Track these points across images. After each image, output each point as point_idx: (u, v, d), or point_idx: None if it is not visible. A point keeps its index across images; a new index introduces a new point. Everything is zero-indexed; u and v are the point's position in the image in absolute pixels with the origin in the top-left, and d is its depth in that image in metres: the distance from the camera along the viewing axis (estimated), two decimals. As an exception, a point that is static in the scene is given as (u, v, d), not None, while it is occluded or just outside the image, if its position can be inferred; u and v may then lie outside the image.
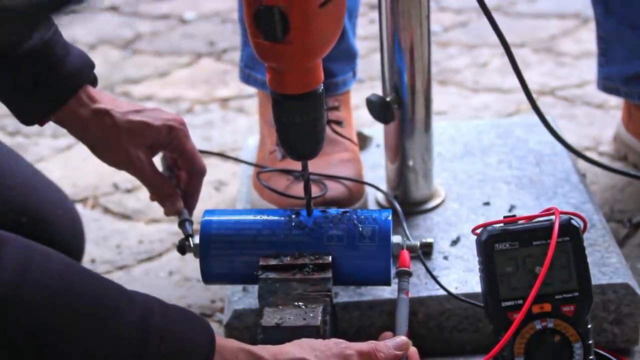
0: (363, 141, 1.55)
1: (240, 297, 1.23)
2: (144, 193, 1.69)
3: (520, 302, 1.04)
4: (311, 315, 1.05)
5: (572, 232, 1.04)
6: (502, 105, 1.95)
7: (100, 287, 0.92)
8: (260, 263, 1.11)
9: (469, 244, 1.27)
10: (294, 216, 1.14)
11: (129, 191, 1.73)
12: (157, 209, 1.60)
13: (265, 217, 1.14)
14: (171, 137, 1.19)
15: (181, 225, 1.20)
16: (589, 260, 1.05)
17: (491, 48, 2.18)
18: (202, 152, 1.26)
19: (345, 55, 1.48)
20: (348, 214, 1.14)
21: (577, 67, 2.09)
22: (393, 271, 1.14)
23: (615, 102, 1.85)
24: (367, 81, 2.05)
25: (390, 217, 1.13)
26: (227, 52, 2.32)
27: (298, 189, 1.30)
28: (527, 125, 1.55)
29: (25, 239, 0.89)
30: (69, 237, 1.34)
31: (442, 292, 1.19)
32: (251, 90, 1.77)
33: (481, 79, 2.07)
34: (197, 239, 1.15)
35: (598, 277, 1.20)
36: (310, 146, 1.09)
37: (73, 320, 0.88)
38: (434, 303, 1.21)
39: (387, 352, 1.00)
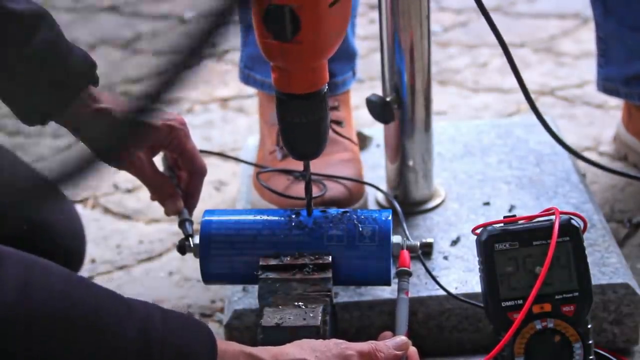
0: (363, 141, 1.55)
1: (240, 297, 1.23)
2: (144, 193, 1.69)
3: (520, 302, 1.04)
4: (311, 315, 1.05)
5: (572, 232, 1.04)
6: (502, 105, 1.95)
7: (100, 300, 0.92)
8: (260, 263, 1.11)
9: (469, 244, 1.27)
10: (294, 216, 1.14)
11: (129, 191, 1.73)
12: (157, 209, 1.60)
13: (265, 217, 1.14)
14: (172, 137, 1.19)
15: (181, 225, 1.20)
16: (589, 260, 1.05)
17: (491, 48, 2.18)
18: (202, 151, 1.26)
19: (345, 55, 1.48)
20: (348, 214, 1.14)
21: (577, 67, 2.09)
22: (393, 271, 1.14)
23: (615, 102, 1.85)
24: (367, 81, 2.05)
25: (390, 217, 1.13)
26: (227, 52, 2.32)
27: (298, 189, 1.30)
28: (527, 125, 1.55)
29: (25, 253, 0.88)
30: (69, 240, 1.34)
31: (442, 292, 1.19)
32: (251, 90, 1.77)
33: (481, 79, 2.07)
34: (197, 239, 1.15)
35: (598, 277, 1.20)
36: (313, 146, 1.09)
37: (73, 336, 0.88)
38: (434, 303, 1.21)
39: (387, 352, 1.00)
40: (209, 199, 1.64)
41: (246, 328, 1.20)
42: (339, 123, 1.44)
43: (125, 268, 1.50)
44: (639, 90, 1.58)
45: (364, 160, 1.45)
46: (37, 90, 1.11)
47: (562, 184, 1.39)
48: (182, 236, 1.18)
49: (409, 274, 1.14)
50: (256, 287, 1.10)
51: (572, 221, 1.05)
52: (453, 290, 1.19)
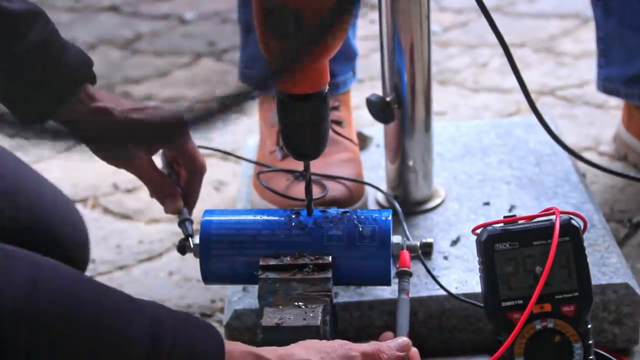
0: (363, 141, 1.55)
1: (240, 297, 1.23)
2: (144, 193, 1.69)
3: (520, 302, 1.04)
4: (311, 315, 1.05)
5: (572, 232, 1.04)
6: (502, 105, 1.95)
7: (108, 300, 0.92)
8: (260, 263, 1.11)
9: (469, 244, 1.27)
10: (294, 216, 1.14)
11: (129, 191, 1.73)
12: (157, 209, 1.59)
13: (265, 217, 1.14)
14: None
15: (181, 224, 1.19)
16: (589, 260, 1.05)
17: (491, 48, 2.18)
18: (202, 147, 1.26)
19: (345, 55, 1.48)
20: (348, 214, 1.14)
21: (577, 67, 2.10)
22: (393, 271, 1.14)
23: (615, 102, 1.85)
24: (367, 81, 2.05)
25: (390, 217, 1.13)
26: (227, 52, 2.32)
27: (298, 189, 1.30)
28: (527, 125, 1.55)
29: (33, 253, 0.89)
30: (74, 249, 1.34)
31: (442, 292, 1.19)
32: (251, 90, 1.77)
33: (481, 79, 2.07)
34: (197, 239, 1.15)
35: (598, 277, 1.20)
36: (314, 147, 1.09)
37: (82, 335, 0.88)
38: (434, 303, 1.21)
39: (389, 353, 1.00)
40: (209, 199, 1.64)
41: (246, 328, 1.20)
42: (339, 123, 1.44)
43: (125, 268, 1.50)
44: (639, 90, 1.58)
45: (364, 160, 1.45)
46: (32, 89, 1.11)
47: (561, 184, 1.39)
48: (182, 236, 1.18)
49: (410, 274, 1.14)
50: (256, 287, 1.10)
51: (572, 221, 1.05)
52: (453, 291, 1.19)
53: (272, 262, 1.11)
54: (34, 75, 1.10)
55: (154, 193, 1.21)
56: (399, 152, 1.35)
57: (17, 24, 1.08)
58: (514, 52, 1.17)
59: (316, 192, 1.28)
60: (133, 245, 1.56)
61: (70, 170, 1.82)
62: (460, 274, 1.23)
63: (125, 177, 1.71)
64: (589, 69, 1.93)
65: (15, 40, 1.08)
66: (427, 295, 1.21)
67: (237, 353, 0.95)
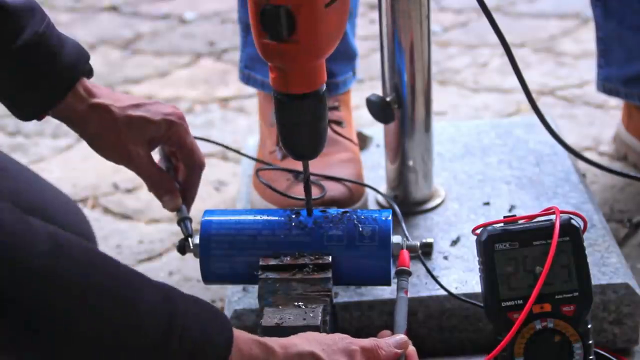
0: (363, 141, 1.55)
1: (240, 297, 1.23)
2: (144, 193, 1.69)
3: (520, 302, 1.04)
4: (311, 315, 1.05)
5: (572, 232, 1.04)
6: (502, 105, 1.95)
7: (124, 272, 0.91)
8: (260, 263, 1.11)
9: (469, 244, 1.27)
10: (294, 216, 1.14)
11: (129, 191, 1.73)
12: (157, 209, 1.60)
13: (265, 217, 1.14)
14: (171, 133, 1.18)
15: (180, 223, 1.19)
16: (589, 260, 1.05)
17: (491, 48, 2.18)
18: (200, 139, 1.25)
19: (345, 55, 1.48)
20: (348, 214, 1.14)
21: (577, 67, 2.10)
22: (393, 271, 1.14)
23: (615, 102, 1.86)
24: (367, 81, 2.05)
25: (390, 217, 1.13)
26: (227, 52, 2.32)
27: (298, 189, 1.30)
28: (527, 125, 1.55)
29: (53, 226, 0.88)
30: None
31: (442, 292, 1.19)
32: (251, 90, 1.77)
33: (481, 79, 2.07)
34: (197, 239, 1.15)
35: (598, 277, 1.20)
36: (312, 146, 1.09)
37: (102, 300, 0.87)
38: (434, 303, 1.21)
39: (387, 349, 1.01)
40: (209, 199, 1.64)
41: (246, 328, 1.20)
42: (339, 123, 1.44)
43: (125, 268, 1.50)
44: (639, 90, 1.58)
45: (364, 160, 1.45)
46: (29, 84, 1.11)
47: (561, 184, 1.39)
48: (182, 236, 1.18)
49: (409, 273, 1.14)
50: (256, 287, 1.10)
51: (572, 221, 1.05)
52: (453, 290, 1.19)
53: (272, 262, 1.11)
54: (31, 70, 1.10)
55: (153, 189, 1.21)
56: (399, 152, 1.35)
57: (16, 18, 1.07)
58: (514, 52, 1.17)
59: (315, 192, 1.28)
60: (133, 245, 1.56)
61: (70, 170, 1.82)
62: (460, 274, 1.23)
63: (126, 177, 1.71)
64: (589, 69, 1.94)
65: (14, 35, 1.07)
66: (427, 295, 1.21)
67: (242, 340, 0.95)
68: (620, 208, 1.55)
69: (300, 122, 1.07)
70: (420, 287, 1.22)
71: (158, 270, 1.49)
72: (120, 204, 1.69)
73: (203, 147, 1.24)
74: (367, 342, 1.01)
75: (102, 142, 1.17)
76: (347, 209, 1.15)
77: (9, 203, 0.85)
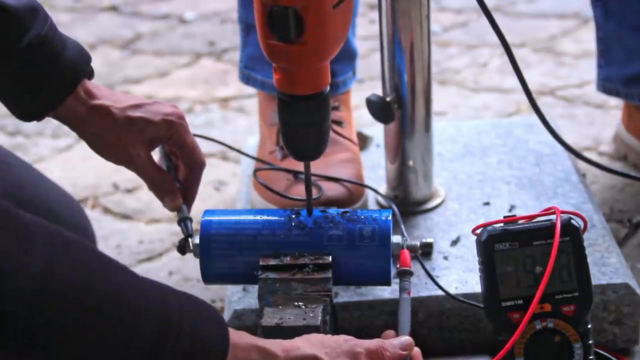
0: (363, 141, 1.55)
1: (240, 297, 1.23)
2: (144, 193, 1.69)
3: (520, 302, 1.04)
4: (311, 315, 1.05)
5: (572, 232, 1.04)
6: (502, 105, 1.95)
7: (121, 269, 0.91)
8: (260, 263, 1.11)
9: (469, 244, 1.27)
10: (294, 216, 1.14)
11: (129, 191, 1.73)
12: (157, 209, 1.60)
13: (265, 217, 1.14)
14: (171, 133, 1.18)
15: (180, 223, 1.19)
16: (589, 260, 1.05)
17: (491, 48, 2.18)
18: (201, 137, 1.25)
19: (345, 56, 1.48)
20: (348, 214, 1.14)
21: (577, 67, 2.10)
22: (393, 271, 1.14)
23: (615, 102, 1.86)
24: (367, 81, 2.05)
25: (390, 217, 1.13)
26: (227, 52, 2.32)
27: (298, 190, 1.30)
28: (527, 125, 1.55)
29: (51, 224, 0.88)
30: None
31: (442, 292, 1.19)
32: (251, 90, 1.77)
33: (481, 79, 2.07)
34: (197, 239, 1.15)
35: (598, 277, 1.20)
36: (315, 147, 1.09)
37: (96, 312, 0.86)
38: (434, 303, 1.21)
39: (392, 351, 1.00)
40: (209, 199, 1.64)
41: (246, 328, 1.20)
42: (339, 123, 1.44)
43: (125, 268, 1.50)
44: (639, 90, 1.58)
45: (364, 160, 1.45)
46: (31, 86, 1.10)
47: (561, 184, 1.39)
48: (182, 236, 1.18)
49: (411, 274, 1.14)
50: (256, 287, 1.10)
51: (572, 221, 1.05)
52: (453, 291, 1.19)
53: (272, 262, 1.11)
54: (34, 71, 1.10)
55: (153, 190, 1.21)
56: (399, 152, 1.35)
57: (19, 20, 1.07)
58: (514, 52, 1.17)
59: (314, 193, 1.28)
60: (133, 245, 1.56)
61: (70, 170, 1.82)
62: (460, 274, 1.23)
63: (126, 177, 1.71)
64: (589, 69, 1.94)
65: (17, 36, 1.07)
66: (427, 295, 1.21)
67: (241, 347, 0.94)
68: (620, 208, 1.55)
69: (304, 123, 1.07)
70: (420, 287, 1.22)
71: (158, 270, 1.49)
72: (120, 204, 1.69)
73: (203, 147, 1.24)
74: (372, 343, 1.00)
75: (102, 143, 1.17)
76: (347, 209, 1.15)
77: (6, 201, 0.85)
